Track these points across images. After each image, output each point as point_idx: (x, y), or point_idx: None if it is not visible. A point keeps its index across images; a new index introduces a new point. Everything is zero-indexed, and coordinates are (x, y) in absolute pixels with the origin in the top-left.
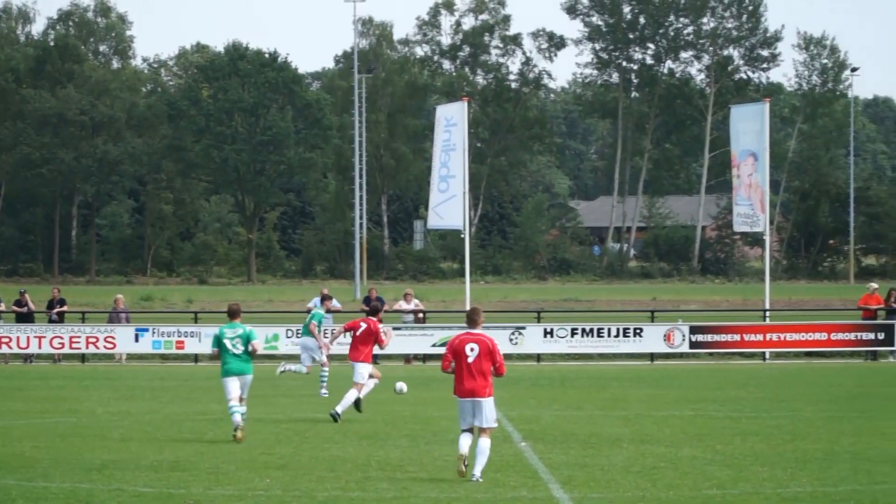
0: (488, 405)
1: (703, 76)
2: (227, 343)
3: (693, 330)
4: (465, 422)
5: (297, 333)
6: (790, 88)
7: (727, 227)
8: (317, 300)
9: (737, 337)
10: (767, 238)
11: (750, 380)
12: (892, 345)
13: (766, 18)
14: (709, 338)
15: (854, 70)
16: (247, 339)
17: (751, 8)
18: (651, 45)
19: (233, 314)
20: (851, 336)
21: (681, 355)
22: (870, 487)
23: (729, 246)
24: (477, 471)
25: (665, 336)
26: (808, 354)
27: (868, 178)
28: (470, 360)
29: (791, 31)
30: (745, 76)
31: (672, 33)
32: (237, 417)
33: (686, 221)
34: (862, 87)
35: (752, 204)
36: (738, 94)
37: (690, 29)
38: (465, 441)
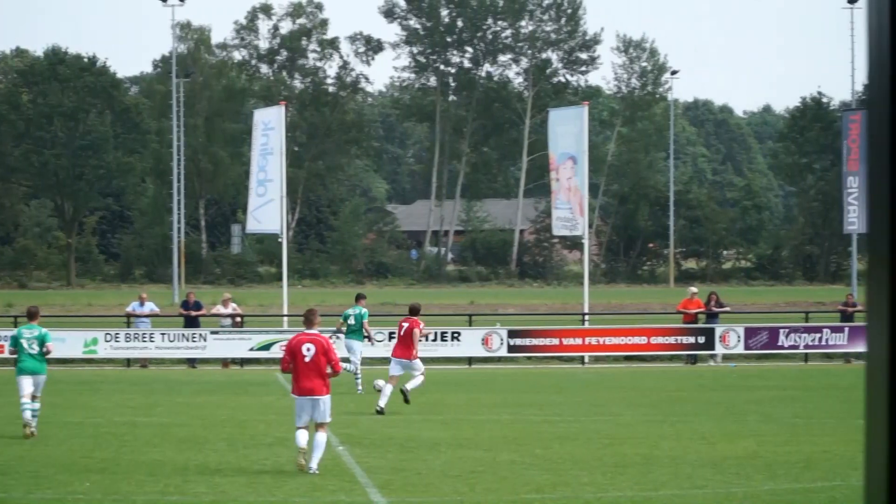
0: (326, 402)
1: (521, 79)
2: (24, 343)
3: (511, 334)
4: (302, 419)
5: (116, 337)
6: (609, 91)
7: (546, 230)
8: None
9: (555, 341)
10: (586, 241)
11: (569, 384)
12: (713, 349)
13: (584, 21)
14: (527, 342)
15: (674, 73)
16: (42, 341)
17: (569, 11)
18: (469, 49)
19: (31, 316)
20: (671, 340)
21: (499, 359)
22: (690, 492)
23: (547, 249)
24: (314, 463)
25: (483, 340)
26: (628, 358)
27: (688, 181)
28: (307, 359)
29: (610, 34)
30: (563, 79)
31: (490, 36)
32: (27, 415)
33: (504, 225)
34: (682, 89)
35: (572, 207)
36: (557, 97)
37: (509, 32)
38: (302, 436)
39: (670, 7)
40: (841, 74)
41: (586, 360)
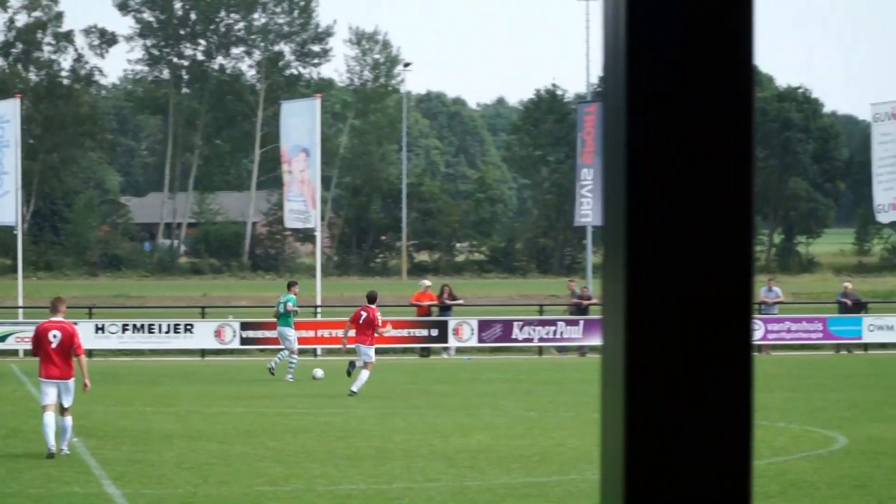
0: (70, 386)
1: (254, 72)
2: None
3: (244, 326)
4: (48, 399)
5: None
6: (342, 84)
7: (278, 222)
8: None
9: None
10: (319, 234)
11: (301, 376)
12: (446, 341)
13: (317, 14)
14: (260, 334)
15: (406, 65)
16: None
17: (302, 3)
18: (202, 41)
19: None
20: (404, 332)
21: (232, 351)
22: (423, 485)
23: (280, 242)
24: (64, 445)
25: (216, 332)
26: None
27: (421, 173)
28: (53, 345)
29: (343, 27)
30: (296, 72)
31: (223, 29)
32: None
33: (237, 217)
34: (414, 82)
35: (305, 200)
36: (290, 89)
37: (242, 25)
38: (49, 419)
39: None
40: (576, 67)
41: (319, 352)
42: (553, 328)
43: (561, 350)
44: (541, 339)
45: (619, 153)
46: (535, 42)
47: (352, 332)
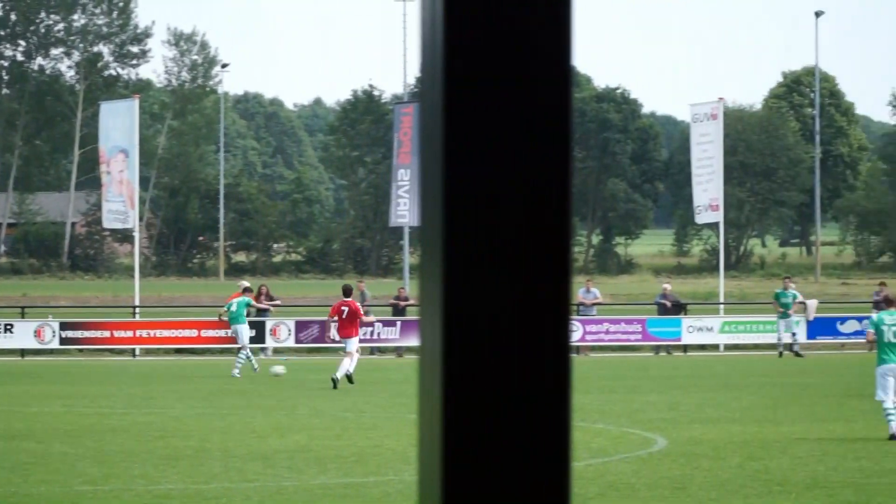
0: None
1: (73, 73)
2: None
3: (63, 326)
4: None
5: None
6: (160, 85)
7: (97, 223)
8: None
9: (107, 333)
10: (137, 234)
11: (120, 376)
12: (263, 342)
13: (136, 15)
14: (79, 334)
15: (224, 66)
16: None
17: (121, 4)
18: (22, 42)
19: None
20: (221, 333)
21: (51, 351)
22: (241, 485)
23: (99, 242)
24: None
25: (35, 332)
26: (179, 351)
27: (238, 174)
28: None
29: (162, 28)
30: (115, 73)
31: (43, 30)
32: None
33: (56, 218)
34: (232, 83)
35: (123, 200)
36: (108, 90)
37: (62, 26)
38: None
39: (221, 1)
40: (393, 67)
41: (137, 352)
42: (370, 329)
43: (379, 351)
44: (358, 340)
45: (435, 154)
46: (353, 43)
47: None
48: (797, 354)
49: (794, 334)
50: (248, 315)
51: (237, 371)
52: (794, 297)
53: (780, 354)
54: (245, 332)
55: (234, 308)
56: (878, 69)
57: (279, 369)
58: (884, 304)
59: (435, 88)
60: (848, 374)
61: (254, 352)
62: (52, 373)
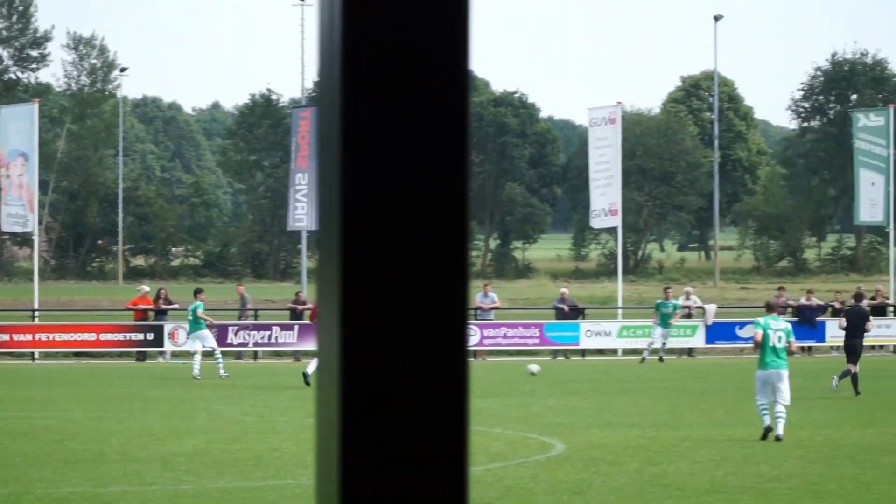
0: None
1: None
2: None
3: None
4: None
5: None
6: (59, 88)
7: None
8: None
9: (6, 337)
10: (36, 238)
11: (19, 380)
12: (162, 345)
13: (36, 19)
14: None
15: (123, 70)
16: None
17: (21, 8)
18: None
19: None
20: (121, 336)
21: None
22: (140, 488)
23: None
24: None
25: None
26: (78, 355)
27: (137, 178)
28: None
29: (61, 32)
30: (14, 76)
31: None
32: None
33: None
34: (131, 87)
35: (23, 204)
36: (8, 94)
37: None
38: None
39: (121, 5)
40: (291, 72)
41: (37, 355)
42: (268, 332)
43: (277, 355)
44: (256, 344)
45: (333, 158)
46: (251, 47)
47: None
48: (660, 359)
49: (664, 343)
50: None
51: (222, 371)
52: (675, 307)
53: (661, 359)
54: (208, 335)
55: (190, 317)
56: (778, 73)
57: (534, 368)
58: (767, 309)
59: (332, 93)
60: (747, 378)
61: (152, 355)
62: None
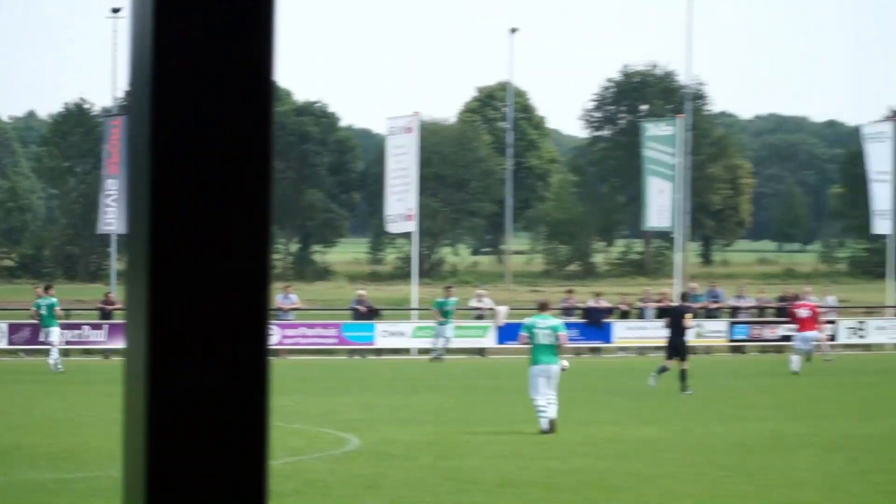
0: None
1: None
2: None
3: None
4: None
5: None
6: None
7: None
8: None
9: None
10: None
11: None
12: None
13: None
14: None
15: None
16: None
17: None
18: None
19: None
20: None
21: None
22: None
23: None
24: None
25: None
26: None
27: None
28: None
29: None
30: None
31: None
32: None
33: None
34: None
35: None
36: None
37: None
38: None
39: None
40: (103, 82)
41: None
42: (78, 332)
43: (87, 353)
44: (67, 342)
45: (142, 165)
46: (66, 57)
47: None
48: (439, 359)
49: (446, 338)
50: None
51: (59, 365)
52: (455, 302)
53: (440, 359)
54: (56, 331)
55: (44, 311)
56: (570, 85)
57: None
58: (539, 308)
59: (142, 102)
60: None
61: None
62: None
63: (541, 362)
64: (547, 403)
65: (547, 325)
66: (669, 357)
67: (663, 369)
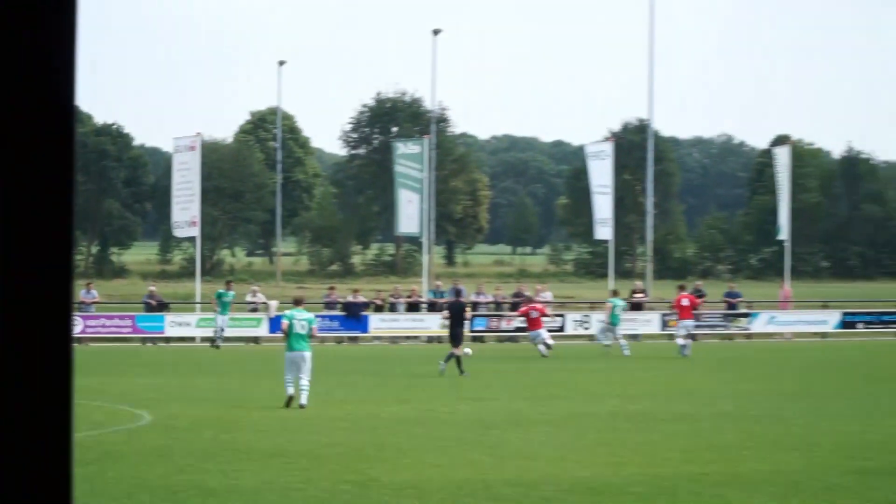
0: None
1: None
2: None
3: None
4: None
5: None
6: None
7: None
8: None
9: None
10: None
11: None
12: None
13: None
14: None
15: None
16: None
17: None
18: None
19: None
20: None
21: None
22: None
23: None
24: None
25: None
26: None
27: None
28: None
29: None
30: None
31: None
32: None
33: None
34: None
35: None
36: None
37: None
38: None
39: None
40: None
41: None
42: None
43: None
44: None
45: None
46: None
47: None
48: (216, 346)
49: (222, 329)
50: None
51: None
52: (233, 296)
53: (217, 346)
54: None
55: None
56: (331, 109)
57: (468, 351)
58: (294, 303)
59: None
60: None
61: None
62: None
63: (295, 349)
64: (299, 389)
65: (303, 317)
66: (454, 345)
67: (451, 356)
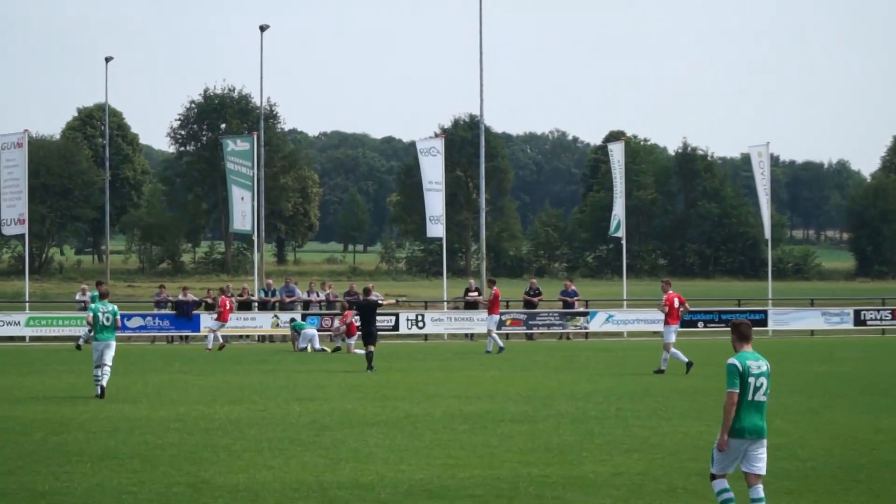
0: None
1: None
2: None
3: None
4: None
5: None
6: None
7: None
8: None
9: None
10: None
11: None
12: None
13: None
14: None
15: None
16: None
17: None
18: None
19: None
20: None
21: None
22: None
23: None
24: None
25: None
26: None
27: None
28: None
29: None
30: None
31: None
32: None
33: None
34: None
35: None
36: None
37: None
38: None
39: None
40: None
41: None
42: None
43: None
44: None
45: None
46: None
47: None
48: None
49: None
50: None
51: None
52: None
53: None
54: None
55: None
56: (159, 105)
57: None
58: (100, 296)
59: None
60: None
61: None
62: None
63: (101, 339)
64: (102, 374)
65: (107, 310)
66: (366, 343)
67: (368, 353)
